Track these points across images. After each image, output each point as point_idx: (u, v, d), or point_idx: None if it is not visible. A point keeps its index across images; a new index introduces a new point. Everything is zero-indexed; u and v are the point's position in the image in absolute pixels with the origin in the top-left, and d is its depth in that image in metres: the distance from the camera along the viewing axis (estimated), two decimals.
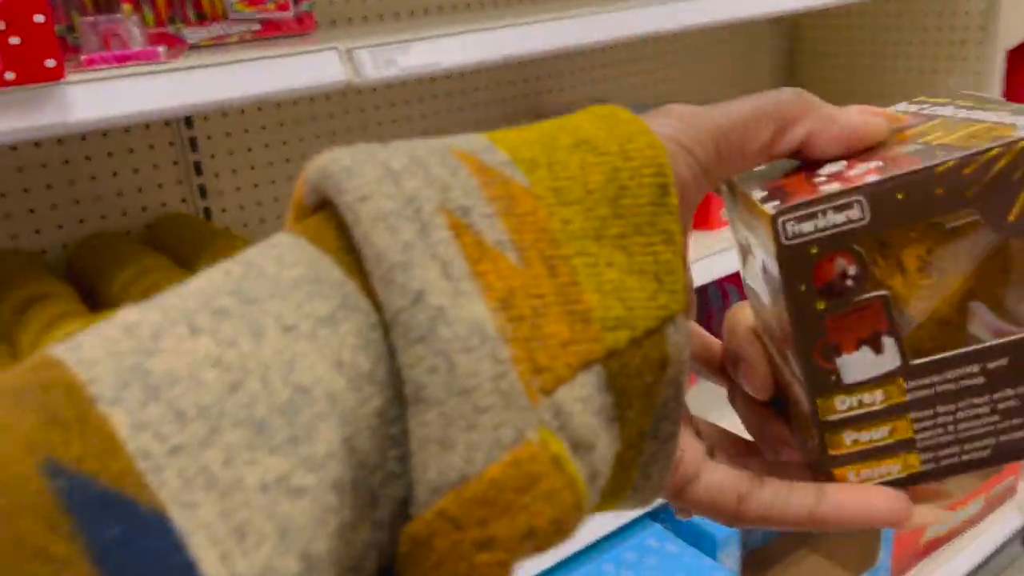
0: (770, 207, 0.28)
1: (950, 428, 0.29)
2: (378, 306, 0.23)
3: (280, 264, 0.24)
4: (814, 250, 0.28)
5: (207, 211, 1.22)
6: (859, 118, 0.30)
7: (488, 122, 1.47)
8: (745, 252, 0.34)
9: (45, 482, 0.19)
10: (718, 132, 0.28)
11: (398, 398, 0.23)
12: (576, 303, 0.24)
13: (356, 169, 0.24)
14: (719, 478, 0.30)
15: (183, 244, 1.08)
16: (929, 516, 0.30)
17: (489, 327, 0.22)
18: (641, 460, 0.27)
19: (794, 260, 0.28)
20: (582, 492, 0.23)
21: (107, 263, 1.01)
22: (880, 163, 0.29)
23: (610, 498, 0.28)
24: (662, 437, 0.27)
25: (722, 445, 0.34)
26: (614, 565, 1.21)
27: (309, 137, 1.30)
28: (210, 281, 0.24)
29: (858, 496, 0.29)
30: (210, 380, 0.21)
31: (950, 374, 0.29)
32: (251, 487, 0.20)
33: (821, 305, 0.28)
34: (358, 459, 0.22)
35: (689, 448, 0.30)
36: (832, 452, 0.30)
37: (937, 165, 0.27)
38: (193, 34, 0.95)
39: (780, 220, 0.28)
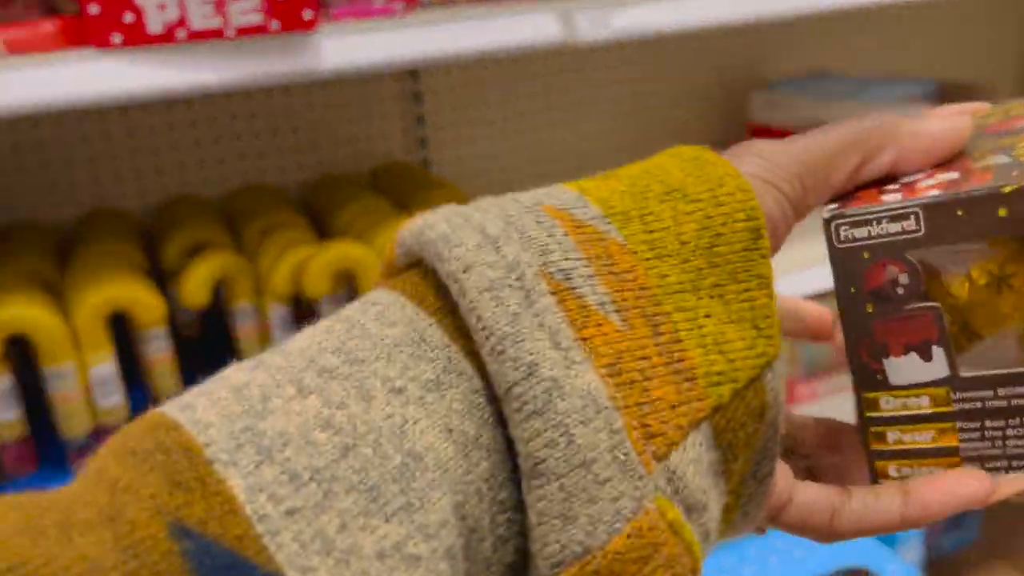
0: (827, 211, 0.29)
1: (998, 443, 0.29)
2: (481, 370, 0.24)
3: (382, 323, 0.24)
4: (866, 255, 0.28)
5: (426, 162, 1.32)
6: (939, 126, 0.30)
7: (701, 89, 1.46)
8: None
9: (173, 544, 0.20)
10: (803, 167, 0.28)
11: (503, 463, 0.23)
12: (680, 361, 0.25)
13: (454, 236, 0.24)
14: (810, 498, 0.30)
15: (403, 191, 1.18)
16: (1015, 483, 0.29)
17: (602, 396, 0.23)
18: (741, 502, 0.27)
19: (845, 262, 0.28)
20: (698, 554, 0.24)
21: (336, 202, 1.13)
22: (956, 175, 0.28)
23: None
24: (760, 476, 0.27)
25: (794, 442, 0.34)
26: (783, 541, 1.19)
27: (524, 95, 1.36)
28: (313, 339, 0.24)
29: (941, 487, 0.29)
30: (321, 442, 0.21)
31: (1002, 391, 0.28)
32: (367, 554, 0.21)
33: (870, 308, 0.29)
34: (469, 526, 0.23)
35: (780, 475, 0.30)
36: (875, 447, 0.30)
37: (1004, 186, 0.27)
38: None
39: (833, 224, 0.28)
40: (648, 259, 0.25)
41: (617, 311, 0.24)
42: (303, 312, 0.98)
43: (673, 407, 0.24)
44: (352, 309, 0.25)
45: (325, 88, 1.24)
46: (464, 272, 0.24)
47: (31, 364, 0.87)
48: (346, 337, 0.24)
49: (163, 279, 0.96)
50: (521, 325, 0.23)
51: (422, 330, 0.24)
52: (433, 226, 0.25)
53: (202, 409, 0.22)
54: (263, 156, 1.23)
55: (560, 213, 0.26)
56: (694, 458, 0.24)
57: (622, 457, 0.23)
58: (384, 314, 0.24)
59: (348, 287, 0.97)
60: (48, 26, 0.73)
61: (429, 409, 0.23)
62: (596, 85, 1.41)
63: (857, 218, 0.28)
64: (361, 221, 1.03)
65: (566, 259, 0.24)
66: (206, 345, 1.05)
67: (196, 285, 0.91)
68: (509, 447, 0.24)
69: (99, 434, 0.87)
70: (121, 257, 0.96)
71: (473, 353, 0.24)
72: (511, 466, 0.24)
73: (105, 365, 0.86)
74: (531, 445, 0.22)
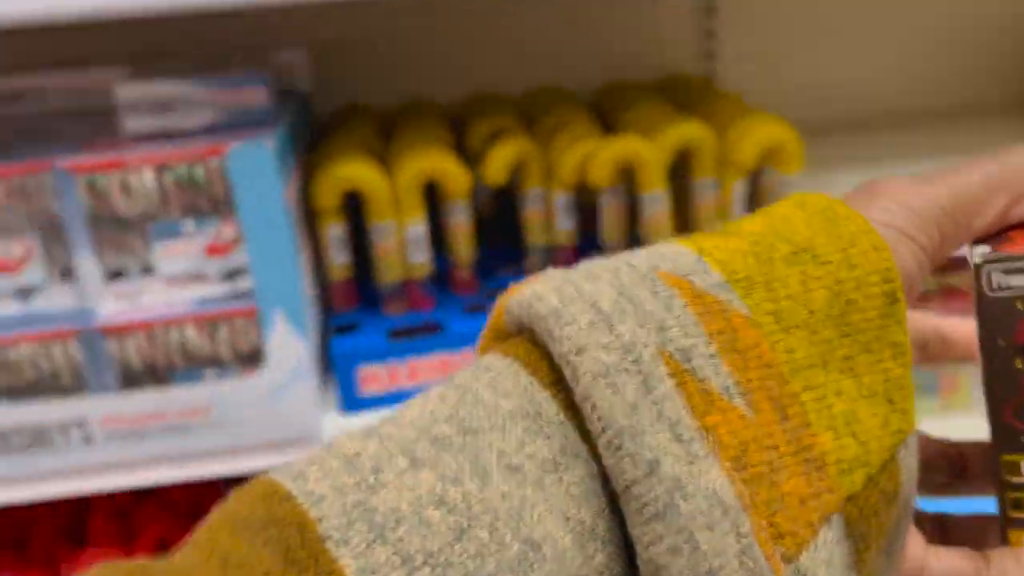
0: (977, 254, 0.26)
1: None
2: (597, 454, 0.23)
3: (496, 391, 0.23)
4: (1020, 306, 0.26)
5: (712, 76, 1.34)
6: None
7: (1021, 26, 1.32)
8: None
9: None
10: (943, 213, 0.26)
11: (619, 556, 0.22)
12: (810, 448, 0.23)
13: (565, 312, 0.23)
14: (944, 567, 0.27)
15: (688, 100, 1.22)
16: None
17: (728, 496, 0.21)
18: None
19: (996, 312, 0.26)
20: None
21: (622, 105, 1.19)
22: None
23: None
24: (892, 553, 0.26)
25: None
26: None
27: (821, 21, 1.32)
28: (426, 407, 0.24)
29: None
30: (435, 522, 0.20)
31: None
32: None
33: (1019, 364, 0.26)
34: None
35: (912, 544, 0.27)
36: (1012, 514, 0.28)
37: None
38: None
39: (986, 269, 0.26)
40: (774, 332, 0.24)
41: (741, 394, 0.23)
42: (585, 200, 1.06)
43: (803, 502, 0.22)
44: (465, 375, 0.24)
45: None
46: (577, 355, 0.22)
47: (359, 218, 1.03)
48: (459, 405, 0.23)
49: (468, 161, 1.08)
50: (639, 416, 0.21)
51: (538, 403, 0.23)
52: (543, 298, 0.24)
53: (314, 480, 0.21)
54: (558, 59, 1.32)
55: (678, 281, 0.24)
56: (826, 558, 0.23)
57: (751, 564, 0.21)
58: (498, 382, 0.24)
59: (627, 179, 1.04)
60: None
61: (547, 493, 0.22)
62: (902, 14, 1.33)
63: (1013, 265, 0.25)
64: (644, 121, 1.09)
65: (685, 336, 0.23)
66: (499, 223, 1.17)
67: (497, 165, 1.02)
68: (624, 538, 0.22)
69: (407, 283, 1.03)
70: (434, 137, 1.10)
71: (589, 434, 0.23)
72: (626, 559, 0.22)
73: (418, 226, 1.00)
74: (652, 550, 0.21)
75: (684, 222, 1.07)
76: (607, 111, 1.21)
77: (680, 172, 1.06)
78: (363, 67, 1.30)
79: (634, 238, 1.09)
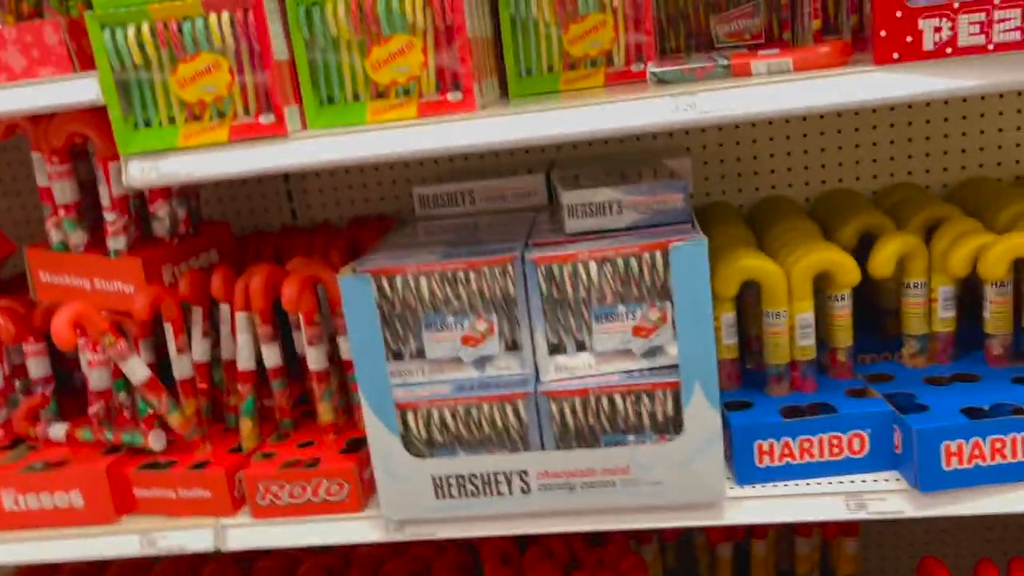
0: None
1: None
2: None
3: None
4: None
5: None
6: None
7: None
8: None
9: None
10: None
11: None
12: None
13: None
14: None
15: None
16: None
17: None
18: None
19: None
20: None
21: (987, 201, 1.22)
22: None
23: None
24: None
25: None
26: None
27: None
28: None
29: None
30: None
31: None
32: None
33: None
34: None
35: None
36: None
37: None
38: None
39: None
40: None
41: None
42: (969, 292, 1.11)
43: None
44: None
45: (984, 98, 1.34)
46: None
47: (749, 311, 1.15)
48: None
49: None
50: None
51: None
52: None
53: None
54: (912, 159, 1.38)
55: None
56: None
57: None
58: None
59: (1017, 275, 1.07)
60: (826, 48, 0.97)
61: None
62: None
63: None
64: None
65: None
66: (864, 318, 1.23)
67: (885, 258, 1.10)
68: None
69: (793, 366, 1.11)
70: (807, 231, 1.19)
71: None
72: None
73: (807, 313, 1.09)
74: None
75: None
76: (972, 206, 1.25)
77: None
78: (727, 170, 1.44)
79: (1018, 330, 1.11)
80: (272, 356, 1.20)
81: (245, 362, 1.21)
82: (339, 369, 1.22)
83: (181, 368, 1.23)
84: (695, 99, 0.93)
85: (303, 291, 1.14)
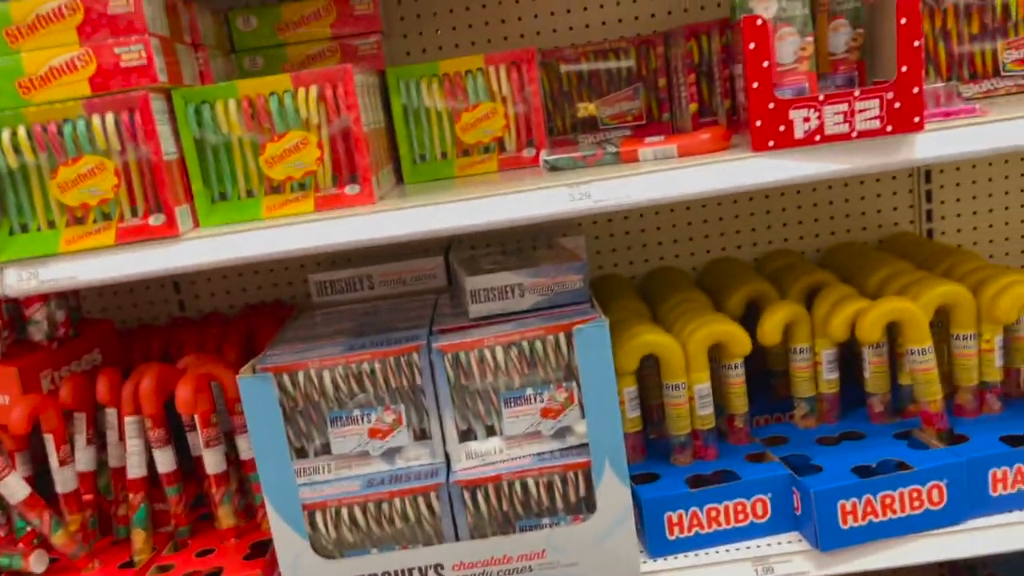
0: None
1: None
2: None
3: None
4: None
5: (930, 232, 1.46)
6: None
7: None
8: None
9: None
10: None
11: None
12: None
13: None
14: None
15: (913, 256, 1.34)
16: None
17: None
18: None
19: None
20: None
21: (858, 264, 1.32)
22: None
23: None
24: None
25: None
26: None
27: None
28: None
29: None
30: None
31: None
32: None
33: None
34: None
35: None
36: None
37: None
38: (967, 89, 1.18)
39: None
40: None
41: None
42: (847, 354, 1.18)
43: None
44: None
45: None
46: None
47: (649, 382, 1.18)
48: None
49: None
50: None
51: None
52: None
53: None
54: (785, 226, 1.47)
55: None
56: None
57: None
58: None
59: (891, 336, 1.15)
60: (706, 135, 1.03)
61: None
62: None
63: None
64: (895, 282, 1.21)
65: None
66: (756, 381, 1.29)
67: (771, 327, 1.16)
68: None
69: (694, 435, 1.15)
70: (700, 302, 1.25)
71: None
72: None
73: (704, 384, 1.13)
74: None
75: (946, 373, 1.16)
76: (841, 269, 1.34)
77: (938, 326, 1.16)
78: (618, 243, 1.49)
79: (895, 387, 1.19)
80: (166, 461, 1.14)
81: (135, 469, 1.14)
82: (239, 469, 1.17)
83: (64, 481, 1.14)
84: (589, 188, 0.96)
85: (198, 391, 1.09)
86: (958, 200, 1.46)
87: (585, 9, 1.39)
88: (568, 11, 1.39)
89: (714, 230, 1.48)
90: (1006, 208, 1.46)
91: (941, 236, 1.47)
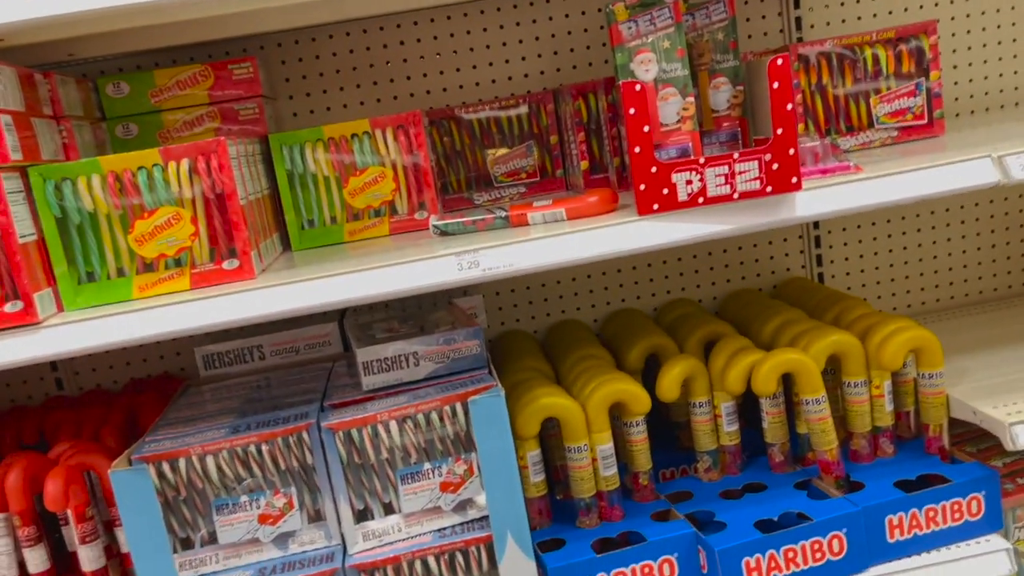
0: None
1: None
2: None
3: None
4: None
5: (821, 276, 1.50)
6: None
7: None
8: None
9: None
10: None
11: None
12: None
13: None
14: None
15: (805, 302, 1.37)
16: None
17: None
18: None
19: None
20: None
21: (753, 312, 1.34)
22: None
23: None
24: None
25: None
26: None
27: (955, 225, 1.50)
28: None
29: None
30: None
31: None
32: None
33: None
34: None
35: None
36: None
37: None
38: (844, 142, 1.22)
39: None
40: None
41: None
42: (747, 400, 1.18)
43: None
44: None
45: None
46: None
47: (553, 442, 1.16)
48: None
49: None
50: None
51: None
52: None
53: None
54: (682, 276, 1.49)
55: None
56: None
57: None
58: None
59: (786, 385, 1.17)
60: (594, 197, 1.03)
61: None
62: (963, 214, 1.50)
63: None
64: (788, 331, 1.23)
65: None
66: (660, 432, 1.29)
67: (670, 384, 1.15)
68: None
69: (599, 496, 1.13)
70: (601, 358, 1.24)
71: None
72: None
73: (607, 444, 1.12)
74: None
75: (840, 419, 1.18)
76: (736, 317, 1.36)
77: (831, 373, 1.18)
78: (518, 299, 1.47)
79: (794, 436, 1.20)
80: (38, 561, 1.05)
81: (4, 571, 1.05)
82: (119, 563, 1.09)
83: None
84: (478, 256, 0.94)
85: (70, 485, 1.01)
86: (845, 244, 1.50)
87: (474, 67, 1.39)
88: (457, 69, 1.38)
89: (613, 282, 1.48)
90: (890, 250, 1.51)
91: (832, 279, 1.51)
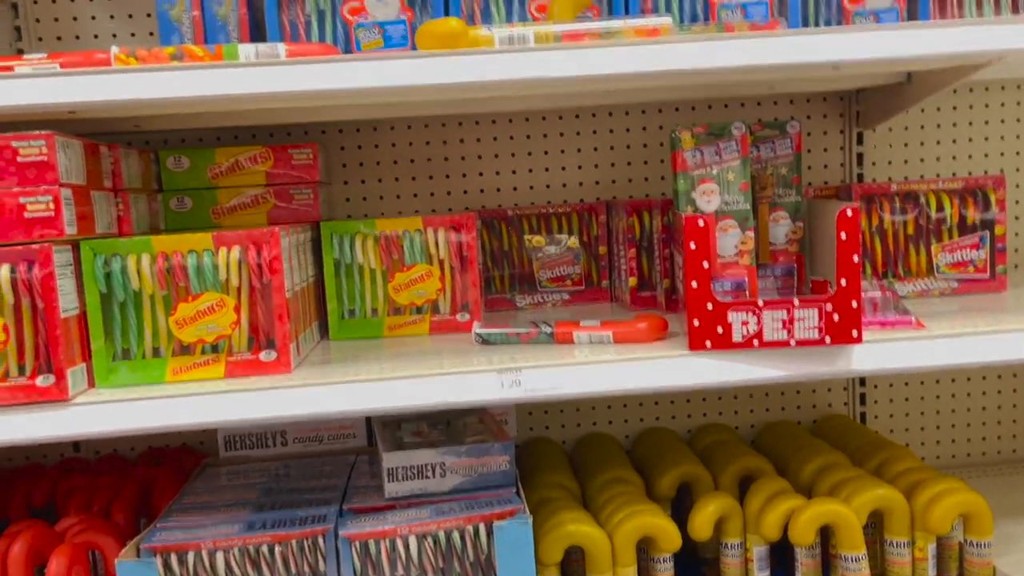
0: None
1: None
2: None
3: None
4: None
5: (863, 416, 1.45)
6: None
7: None
8: None
9: None
10: None
11: None
12: None
13: None
14: None
15: (844, 442, 1.32)
16: None
17: None
18: None
19: None
20: None
21: (788, 448, 1.29)
22: None
23: None
24: None
25: None
26: None
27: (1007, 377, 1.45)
28: None
29: None
30: None
31: None
32: None
33: None
34: None
35: None
36: None
37: None
38: (902, 287, 1.19)
39: None
40: None
41: None
42: (776, 550, 1.13)
43: None
44: None
45: None
46: None
47: (573, 568, 1.11)
48: None
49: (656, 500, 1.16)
50: None
51: None
52: None
53: None
54: (724, 398, 1.44)
55: None
56: None
57: None
58: None
59: (823, 535, 1.11)
60: (644, 323, 1.00)
61: None
62: None
63: None
64: (829, 476, 1.17)
65: None
66: (685, 563, 1.23)
67: (703, 522, 1.10)
68: None
69: None
70: (631, 483, 1.19)
71: None
72: None
73: None
74: None
75: (878, 574, 1.12)
76: (776, 453, 1.31)
77: (872, 527, 1.12)
78: (550, 406, 1.44)
79: None
80: None
81: None
82: None
83: None
84: (520, 376, 0.91)
85: (74, 566, 0.98)
86: (891, 385, 1.46)
87: (530, 171, 1.39)
88: (513, 171, 1.38)
89: (648, 399, 1.44)
90: (937, 396, 1.46)
91: (874, 419, 1.46)
